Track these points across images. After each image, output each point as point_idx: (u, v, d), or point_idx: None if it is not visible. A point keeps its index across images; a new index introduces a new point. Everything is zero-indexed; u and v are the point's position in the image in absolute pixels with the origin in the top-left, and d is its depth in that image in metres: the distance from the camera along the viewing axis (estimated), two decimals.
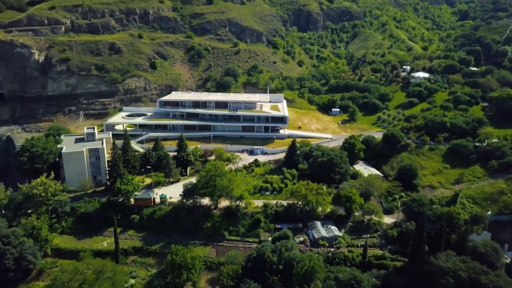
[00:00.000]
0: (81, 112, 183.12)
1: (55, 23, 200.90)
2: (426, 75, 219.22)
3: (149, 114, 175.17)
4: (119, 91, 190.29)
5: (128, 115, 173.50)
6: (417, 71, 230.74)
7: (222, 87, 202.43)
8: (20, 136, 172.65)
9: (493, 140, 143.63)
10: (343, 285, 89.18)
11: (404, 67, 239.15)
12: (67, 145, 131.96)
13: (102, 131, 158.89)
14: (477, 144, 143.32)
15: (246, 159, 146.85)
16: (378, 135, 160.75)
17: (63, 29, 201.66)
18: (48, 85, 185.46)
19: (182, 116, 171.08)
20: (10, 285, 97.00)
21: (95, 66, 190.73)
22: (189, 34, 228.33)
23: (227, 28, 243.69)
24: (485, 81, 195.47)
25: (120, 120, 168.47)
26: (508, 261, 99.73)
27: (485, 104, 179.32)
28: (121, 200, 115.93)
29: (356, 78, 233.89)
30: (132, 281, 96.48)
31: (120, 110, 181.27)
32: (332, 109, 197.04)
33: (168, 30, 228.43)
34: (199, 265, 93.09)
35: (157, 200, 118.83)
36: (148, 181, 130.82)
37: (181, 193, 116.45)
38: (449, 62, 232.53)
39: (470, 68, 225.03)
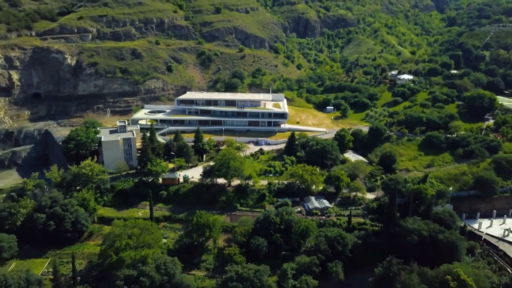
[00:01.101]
0: (108, 109, 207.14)
1: (83, 31, 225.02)
2: (411, 77, 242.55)
3: (167, 111, 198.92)
4: (140, 91, 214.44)
5: (149, 112, 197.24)
6: (404, 73, 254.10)
7: (230, 88, 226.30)
8: (56, 130, 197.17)
9: (461, 132, 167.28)
10: (331, 241, 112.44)
11: (393, 72, 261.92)
12: (104, 135, 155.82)
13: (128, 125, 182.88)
14: (447, 135, 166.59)
15: (253, 148, 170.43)
16: (365, 128, 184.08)
17: (90, 36, 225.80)
18: (79, 86, 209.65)
19: (196, 113, 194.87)
20: (68, 243, 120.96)
21: (119, 69, 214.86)
22: (200, 41, 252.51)
23: (234, 35, 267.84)
24: (461, 82, 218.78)
25: (143, 116, 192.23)
26: (462, 225, 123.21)
27: (460, 102, 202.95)
28: (151, 179, 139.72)
29: (349, 80, 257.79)
30: (165, 240, 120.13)
31: (142, 107, 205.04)
32: (327, 107, 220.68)
33: (181, 37, 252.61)
34: (218, 225, 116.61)
35: (181, 179, 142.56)
36: (171, 165, 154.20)
37: (201, 174, 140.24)
38: (432, 66, 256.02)
39: (451, 71, 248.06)
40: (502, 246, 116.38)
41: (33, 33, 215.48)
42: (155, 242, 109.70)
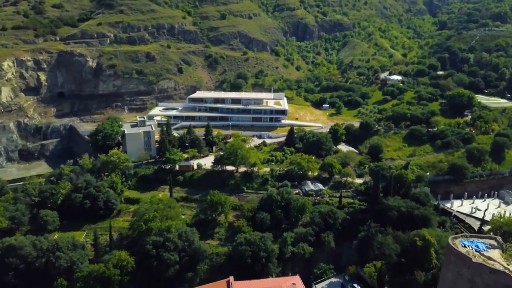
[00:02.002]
0: (126, 106, 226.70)
1: (102, 36, 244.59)
2: (400, 77, 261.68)
3: (179, 108, 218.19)
4: (154, 90, 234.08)
5: (163, 109, 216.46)
6: (394, 74, 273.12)
7: (235, 88, 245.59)
8: (80, 125, 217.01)
9: (441, 127, 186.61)
10: (323, 215, 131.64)
11: (385, 73, 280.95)
12: (126, 129, 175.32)
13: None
14: (429, 129, 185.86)
15: (256, 141, 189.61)
16: (357, 124, 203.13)
17: (108, 41, 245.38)
18: (99, 86, 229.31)
19: (205, 110, 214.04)
20: (100, 219, 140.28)
21: (135, 71, 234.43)
22: (207, 45, 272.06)
23: (238, 39, 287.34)
24: (445, 82, 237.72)
25: (158, 112, 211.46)
26: (436, 203, 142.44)
27: (443, 100, 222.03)
28: (169, 166, 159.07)
29: (343, 80, 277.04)
30: (183, 216, 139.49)
31: (157, 105, 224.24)
32: (323, 105, 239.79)
33: (190, 41, 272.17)
34: (229, 203, 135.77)
35: (195, 167, 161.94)
36: (185, 155, 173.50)
37: (212, 161, 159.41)
38: (420, 67, 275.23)
39: (437, 72, 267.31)
40: (468, 220, 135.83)
41: (57, 38, 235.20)
42: (176, 216, 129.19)
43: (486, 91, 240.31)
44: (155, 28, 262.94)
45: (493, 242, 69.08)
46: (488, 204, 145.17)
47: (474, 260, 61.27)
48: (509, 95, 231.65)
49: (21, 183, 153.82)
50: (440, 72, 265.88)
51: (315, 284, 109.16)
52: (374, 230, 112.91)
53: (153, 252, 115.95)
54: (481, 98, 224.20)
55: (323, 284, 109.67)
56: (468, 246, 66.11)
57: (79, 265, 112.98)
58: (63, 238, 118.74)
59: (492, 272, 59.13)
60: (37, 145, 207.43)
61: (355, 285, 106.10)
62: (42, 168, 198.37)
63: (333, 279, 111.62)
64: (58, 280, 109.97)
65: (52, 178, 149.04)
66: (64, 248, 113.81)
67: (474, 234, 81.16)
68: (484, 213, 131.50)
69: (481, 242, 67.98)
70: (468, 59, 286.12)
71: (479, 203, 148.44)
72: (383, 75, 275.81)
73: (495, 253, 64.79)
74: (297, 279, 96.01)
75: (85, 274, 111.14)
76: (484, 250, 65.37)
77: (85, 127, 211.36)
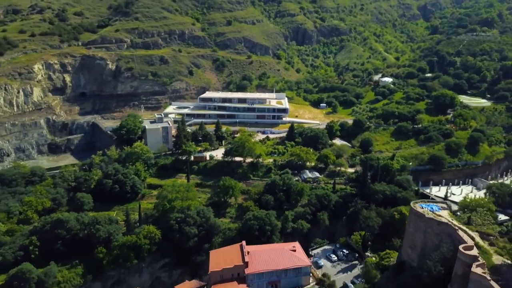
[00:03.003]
0: (142, 105, 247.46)
1: (120, 41, 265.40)
2: (391, 79, 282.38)
3: (191, 107, 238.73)
4: (168, 90, 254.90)
5: (176, 108, 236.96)
6: (386, 76, 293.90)
7: (241, 88, 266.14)
8: (101, 122, 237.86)
9: (425, 123, 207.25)
10: (319, 197, 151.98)
11: (378, 76, 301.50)
12: (146, 124, 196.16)
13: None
14: (414, 125, 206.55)
15: (260, 136, 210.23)
16: (350, 121, 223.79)
17: (125, 46, 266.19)
18: (118, 87, 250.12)
19: (215, 108, 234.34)
20: (127, 201, 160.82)
21: (150, 73, 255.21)
22: (215, 49, 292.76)
23: (243, 44, 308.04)
24: (431, 84, 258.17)
25: (172, 111, 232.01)
26: (416, 188, 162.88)
27: (429, 100, 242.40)
28: (185, 157, 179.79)
29: (339, 82, 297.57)
30: (199, 199, 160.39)
31: (170, 104, 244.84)
32: (320, 104, 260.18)
33: (199, 46, 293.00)
34: (238, 187, 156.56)
35: (207, 157, 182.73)
36: (198, 148, 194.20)
37: (223, 153, 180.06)
38: (410, 70, 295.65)
39: (425, 74, 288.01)
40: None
41: (80, 43, 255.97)
42: (194, 197, 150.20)
43: (469, 92, 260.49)
44: (167, 34, 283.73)
45: (444, 205, 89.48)
46: (462, 190, 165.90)
47: (426, 215, 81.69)
48: (489, 96, 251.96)
49: (57, 171, 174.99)
50: (428, 75, 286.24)
51: (312, 250, 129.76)
52: (360, 206, 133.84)
53: (176, 227, 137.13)
54: (464, 98, 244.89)
55: (318, 250, 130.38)
56: (425, 208, 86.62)
57: (115, 236, 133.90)
58: (100, 215, 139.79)
59: (439, 224, 79.41)
60: (64, 140, 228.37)
61: (344, 250, 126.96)
62: (68, 160, 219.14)
63: (326, 247, 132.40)
64: (98, 248, 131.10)
65: (84, 167, 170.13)
66: (102, 222, 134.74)
67: (430, 200, 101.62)
68: (446, 193, 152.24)
69: (435, 205, 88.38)
70: (455, 62, 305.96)
71: (455, 189, 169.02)
72: (376, 77, 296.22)
73: (444, 213, 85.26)
74: (296, 244, 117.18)
75: (120, 243, 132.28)
76: (436, 211, 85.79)
77: (106, 124, 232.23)
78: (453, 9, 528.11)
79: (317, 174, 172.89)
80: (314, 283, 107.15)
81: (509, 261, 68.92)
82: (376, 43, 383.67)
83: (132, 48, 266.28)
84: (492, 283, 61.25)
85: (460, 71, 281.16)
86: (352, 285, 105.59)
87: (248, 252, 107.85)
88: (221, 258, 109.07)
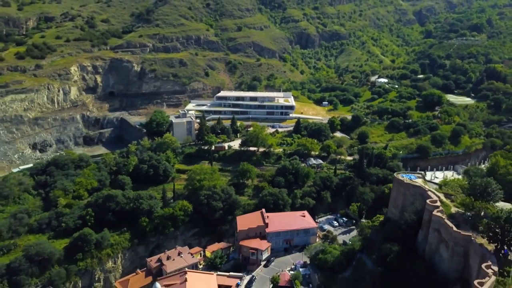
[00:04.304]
0: (164, 103, 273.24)
1: (143, 46, 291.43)
2: (386, 80, 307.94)
3: (208, 104, 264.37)
4: (187, 90, 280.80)
5: (195, 105, 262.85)
6: (382, 77, 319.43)
7: (251, 88, 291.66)
8: (128, 117, 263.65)
9: (415, 118, 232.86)
10: (323, 179, 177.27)
11: (374, 77, 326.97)
12: (172, 119, 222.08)
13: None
14: (405, 120, 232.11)
15: (270, 130, 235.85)
16: (349, 117, 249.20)
17: (148, 50, 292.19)
18: (143, 86, 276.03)
19: (229, 106, 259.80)
20: (160, 183, 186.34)
21: (171, 74, 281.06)
22: (227, 53, 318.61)
23: (252, 48, 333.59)
24: (422, 84, 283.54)
25: (191, 108, 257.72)
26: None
27: (419, 98, 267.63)
28: (207, 147, 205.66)
29: (340, 82, 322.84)
30: (222, 180, 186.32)
31: (189, 102, 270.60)
32: (323, 102, 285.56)
33: (213, 49, 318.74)
34: (254, 171, 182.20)
35: (226, 147, 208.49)
36: (218, 140, 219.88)
37: (239, 144, 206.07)
38: (403, 72, 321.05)
39: (417, 76, 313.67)
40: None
41: (108, 48, 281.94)
42: (218, 178, 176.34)
43: (456, 92, 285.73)
44: (185, 39, 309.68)
45: (419, 175, 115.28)
46: (444, 174, 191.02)
47: (405, 181, 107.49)
48: (473, 95, 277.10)
49: (99, 158, 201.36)
50: (420, 76, 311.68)
51: (317, 218, 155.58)
52: (357, 183, 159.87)
53: (204, 201, 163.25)
54: (450, 97, 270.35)
55: (323, 218, 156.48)
56: (405, 177, 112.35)
57: (155, 208, 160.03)
58: (141, 192, 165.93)
59: (414, 187, 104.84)
60: (96, 133, 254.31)
61: (344, 218, 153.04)
62: (101, 150, 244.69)
63: (329, 216, 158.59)
64: (142, 218, 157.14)
65: (122, 154, 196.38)
66: (144, 198, 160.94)
67: (409, 171, 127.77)
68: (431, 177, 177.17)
69: (412, 175, 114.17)
70: (444, 65, 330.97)
71: (438, 173, 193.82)
72: (373, 78, 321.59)
73: (419, 180, 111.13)
74: (305, 212, 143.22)
75: (160, 214, 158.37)
76: (414, 179, 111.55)
77: (133, 119, 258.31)
78: (447, 14, 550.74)
79: (320, 161, 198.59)
80: (320, 241, 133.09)
81: (461, 210, 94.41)
82: (374, 47, 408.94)
83: (154, 52, 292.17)
84: (446, 221, 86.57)
85: (449, 73, 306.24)
86: (349, 242, 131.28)
87: (267, 217, 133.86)
88: (246, 221, 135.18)
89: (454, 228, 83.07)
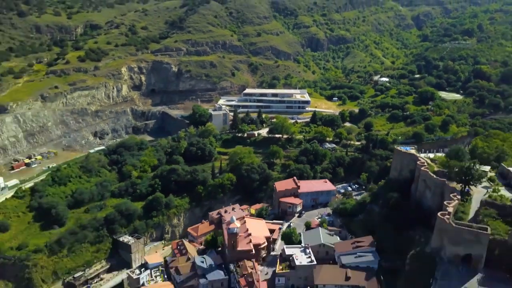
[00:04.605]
0: (198, 99, 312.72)
1: (178, 50, 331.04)
2: (387, 79, 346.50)
3: (236, 100, 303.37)
4: (217, 88, 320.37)
5: (225, 101, 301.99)
6: (383, 77, 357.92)
7: (271, 86, 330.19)
8: (169, 111, 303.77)
9: (411, 111, 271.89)
10: (337, 158, 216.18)
11: (378, 77, 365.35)
12: (211, 111, 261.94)
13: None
14: (403, 113, 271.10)
15: (290, 121, 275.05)
16: (357, 110, 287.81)
17: (183, 53, 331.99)
18: (180, 85, 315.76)
19: (254, 101, 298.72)
20: (205, 162, 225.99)
21: (204, 74, 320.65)
22: (249, 56, 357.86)
23: (270, 51, 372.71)
24: (418, 83, 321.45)
25: (222, 103, 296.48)
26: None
27: (416, 95, 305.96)
28: (241, 134, 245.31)
29: (347, 81, 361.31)
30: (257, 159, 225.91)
31: (220, 98, 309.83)
32: (333, 98, 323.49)
33: (237, 53, 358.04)
34: (281, 152, 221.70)
35: (256, 134, 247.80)
36: (248, 128, 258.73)
37: (267, 132, 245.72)
38: (402, 72, 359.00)
39: (414, 75, 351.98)
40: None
41: (149, 51, 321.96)
42: (253, 158, 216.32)
43: (447, 89, 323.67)
44: (213, 44, 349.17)
45: (413, 147, 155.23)
46: (435, 155, 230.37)
47: (402, 151, 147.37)
48: (461, 92, 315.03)
49: (154, 142, 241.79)
50: (417, 75, 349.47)
51: (336, 184, 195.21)
52: (365, 158, 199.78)
53: (245, 174, 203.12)
54: (442, 94, 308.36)
55: (339, 186, 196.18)
56: (402, 148, 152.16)
57: (208, 179, 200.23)
58: (195, 166, 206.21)
59: (409, 154, 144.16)
60: (143, 124, 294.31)
61: (356, 185, 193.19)
62: (147, 139, 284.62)
63: (344, 184, 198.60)
64: (198, 186, 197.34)
65: (174, 139, 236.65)
66: (199, 171, 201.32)
67: (405, 144, 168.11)
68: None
69: (408, 147, 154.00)
70: (438, 66, 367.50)
71: (430, 155, 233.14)
72: (375, 78, 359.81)
73: (413, 150, 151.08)
74: (327, 180, 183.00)
75: (212, 183, 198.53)
76: (408, 150, 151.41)
77: (173, 113, 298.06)
78: (442, 19, 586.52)
79: (334, 145, 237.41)
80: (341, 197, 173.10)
81: (441, 169, 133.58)
82: (376, 50, 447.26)
83: (188, 55, 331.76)
84: (430, 173, 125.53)
85: (441, 73, 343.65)
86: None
87: (298, 181, 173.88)
88: (282, 185, 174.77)
89: (435, 176, 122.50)
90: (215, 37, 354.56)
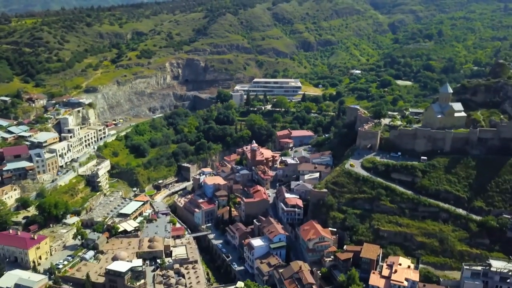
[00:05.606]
0: (220, 86, 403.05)
1: (204, 50, 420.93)
2: (359, 71, 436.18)
3: (248, 86, 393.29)
4: (233, 78, 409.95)
5: (240, 87, 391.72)
6: (358, 70, 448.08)
7: (273, 77, 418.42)
8: (199, 95, 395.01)
9: (373, 92, 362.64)
10: (318, 121, 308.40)
11: (354, 71, 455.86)
12: (232, 93, 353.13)
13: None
14: (367, 93, 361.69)
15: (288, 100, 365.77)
16: (335, 93, 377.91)
17: (207, 53, 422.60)
18: (206, 76, 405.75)
19: (261, 87, 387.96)
20: (231, 124, 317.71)
21: (223, 69, 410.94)
22: (256, 55, 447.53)
23: (272, 52, 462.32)
24: (382, 74, 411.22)
25: (238, 88, 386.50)
26: None
27: (379, 82, 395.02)
28: (254, 109, 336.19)
29: (331, 74, 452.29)
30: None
31: (236, 85, 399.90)
32: (319, 85, 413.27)
33: (247, 53, 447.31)
34: (280, 117, 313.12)
35: (263, 108, 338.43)
36: (257, 104, 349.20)
37: (271, 106, 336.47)
38: (372, 66, 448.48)
39: (381, 69, 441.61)
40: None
41: (183, 51, 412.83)
42: (262, 121, 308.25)
43: (403, 78, 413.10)
44: (229, 46, 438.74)
45: (359, 106, 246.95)
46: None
47: (351, 106, 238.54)
48: (413, 80, 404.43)
49: (194, 112, 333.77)
50: (383, 69, 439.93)
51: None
52: (336, 118, 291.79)
53: (257, 131, 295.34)
54: (398, 81, 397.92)
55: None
56: (352, 106, 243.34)
57: (233, 133, 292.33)
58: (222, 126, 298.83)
59: (355, 109, 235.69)
60: (180, 104, 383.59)
61: (326, 134, 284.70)
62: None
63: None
64: (227, 137, 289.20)
65: (208, 110, 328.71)
66: (227, 128, 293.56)
67: (356, 105, 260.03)
68: None
69: (357, 106, 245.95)
70: (400, 62, 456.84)
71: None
72: (352, 71, 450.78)
73: (357, 107, 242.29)
74: (309, 130, 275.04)
75: (236, 136, 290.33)
76: (357, 106, 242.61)
77: (202, 96, 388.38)
78: (413, 25, 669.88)
79: (317, 115, 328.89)
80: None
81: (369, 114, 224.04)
82: (355, 50, 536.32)
83: (211, 54, 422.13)
84: (362, 114, 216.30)
85: (400, 67, 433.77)
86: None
87: (291, 131, 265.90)
88: (281, 132, 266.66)
89: (363, 115, 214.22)
90: (231, 41, 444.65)
